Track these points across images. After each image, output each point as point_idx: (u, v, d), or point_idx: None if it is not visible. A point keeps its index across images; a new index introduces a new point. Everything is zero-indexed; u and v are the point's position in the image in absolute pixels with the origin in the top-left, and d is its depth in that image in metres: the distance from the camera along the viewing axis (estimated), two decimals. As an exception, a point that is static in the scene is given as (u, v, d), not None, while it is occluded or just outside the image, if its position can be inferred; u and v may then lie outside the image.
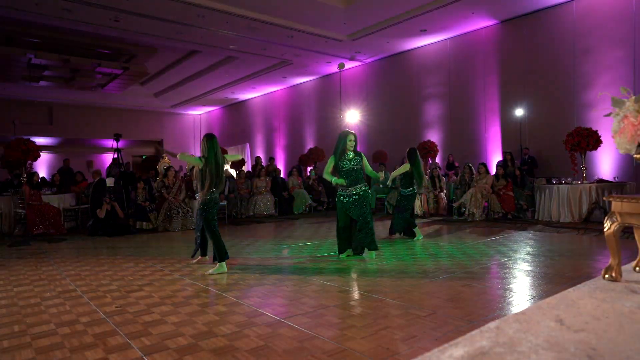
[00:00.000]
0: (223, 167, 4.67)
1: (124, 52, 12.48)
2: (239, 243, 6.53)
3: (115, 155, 9.67)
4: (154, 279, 4.27)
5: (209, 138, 4.61)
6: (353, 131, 5.07)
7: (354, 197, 4.87)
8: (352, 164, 4.88)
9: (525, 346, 1.78)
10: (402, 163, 6.55)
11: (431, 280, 3.91)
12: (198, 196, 4.68)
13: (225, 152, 12.19)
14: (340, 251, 5.15)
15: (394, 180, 6.61)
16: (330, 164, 4.94)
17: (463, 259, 4.80)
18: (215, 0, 9.00)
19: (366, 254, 5.02)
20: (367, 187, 4.97)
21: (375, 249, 4.90)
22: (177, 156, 4.81)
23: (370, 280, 4.00)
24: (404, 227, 6.50)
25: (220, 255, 4.50)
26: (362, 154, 5.01)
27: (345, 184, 4.84)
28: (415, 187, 6.48)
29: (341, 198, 4.94)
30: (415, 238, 6.36)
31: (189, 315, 3.07)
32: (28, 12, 9.05)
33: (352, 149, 4.92)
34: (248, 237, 7.19)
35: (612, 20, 8.65)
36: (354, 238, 5.11)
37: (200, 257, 5.04)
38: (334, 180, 4.86)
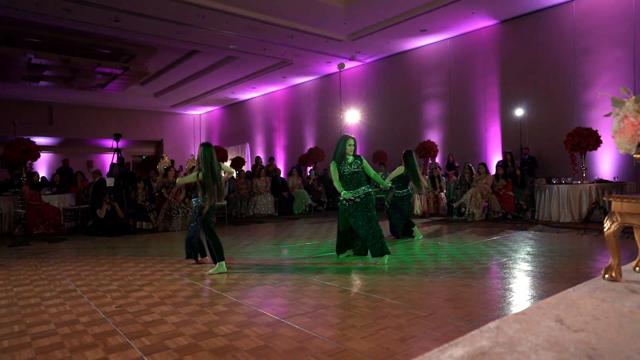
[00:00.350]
0: (220, 177, 4.64)
1: (124, 52, 12.48)
2: (239, 243, 6.53)
3: (120, 155, 9.70)
4: (154, 279, 4.28)
5: (205, 148, 4.58)
6: (352, 135, 5.02)
7: (355, 200, 4.78)
8: (353, 168, 4.83)
9: (525, 346, 1.78)
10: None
11: (431, 280, 3.91)
12: (196, 201, 4.69)
13: (224, 152, 12.20)
14: (340, 252, 5.14)
15: (392, 181, 6.62)
16: (335, 171, 4.82)
17: (463, 259, 4.80)
18: (215, 0, 9.00)
19: (370, 257, 4.93)
20: (370, 189, 4.87)
21: (388, 252, 4.73)
22: (177, 182, 4.81)
23: (370, 280, 4.00)
24: (404, 228, 6.51)
25: (220, 255, 4.51)
26: (362, 157, 4.96)
27: (352, 197, 4.75)
28: (409, 188, 6.50)
29: (344, 202, 4.86)
30: (416, 238, 6.36)
31: (189, 315, 3.07)
32: (28, 12, 9.05)
33: (351, 153, 4.86)
34: (248, 237, 7.19)
35: (612, 20, 8.65)
36: (356, 240, 5.09)
37: (200, 257, 5.05)
38: (344, 194, 4.74)
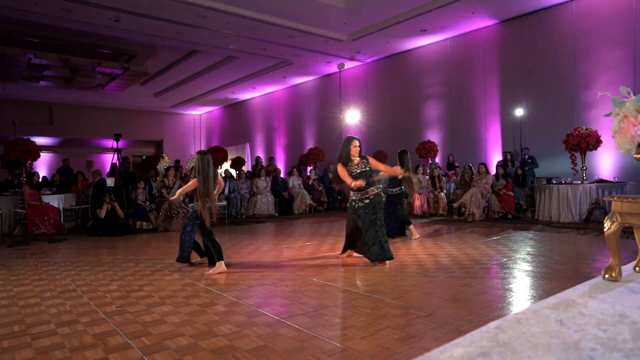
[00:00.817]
0: (214, 186, 4.66)
1: (124, 52, 12.48)
2: (239, 243, 6.53)
3: (120, 155, 9.73)
4: (154, 279, 4.27)
5: (202, 156, 4.59)
6: (357, 137, 4.95)
7: (365, 201, 4.70)
8: (361, 167, 4.73)
9: (525, 346, 1.78)
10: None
11: (431, 280, 3.91)
12: (192, 206, 4.71)
13: (224, 152, 12.19)
14: (343, 251, 5.14)
15: (387, 179, 6.57)
16: (343, 169, 4.72)
17: (463, 259, 4.80)
18: (215, 0, 9.00)
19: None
20: (379, 190, 4.78)
21: (390, 258, 4.63)
22: (178, 194, 4.81)
23: (370, 280, 3.99)
24: (399, 227, 6.50)
25: (218, 255, 4.52)
26: (367, 157, 4.88)
27: (363, 185, 4.61)
28: (403, 187, 6.46)
29: (353, 203, 4.79)
30: (413, 237, 6.37)
31: (189, 315, 3.07)
32: (28, 12, 9.05)
33: (357, 154, 4.77)
34: (248, 237, 7.19)
35: (612, 20, 8.65)
36: (357, 239, 5.06)
37: (199, 258, 5.06)
38: (355, 183, 4.59)
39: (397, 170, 5.31)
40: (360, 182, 4.56)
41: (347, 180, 4.66)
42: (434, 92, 11.91)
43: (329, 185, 12.23)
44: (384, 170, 5.11)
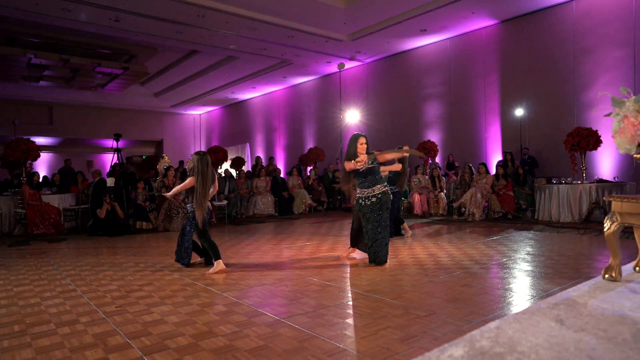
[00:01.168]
0: (210, 188, 4.68)
1: (124, 52, 12.48)
2: (239, 243, 6.53)
3: (120, 155, 9.74)
4: (154, 279, 4.28)
5: (200, 157, 4.61)
6: (363, 133, 4.94)
7: (372, 199, 4.67)
8: (368, 164, 4.73)
9: (525, 346, 1.78)
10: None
11: (431, 280, 3.91)
12: (190, 206, 4.72)
13: (224, 152, 12.19)
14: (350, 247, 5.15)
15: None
16: (349, 163, 4.69)
17: (463, 259, 4.80)
18: (215, 0, 9.00)
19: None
20: (386, 188, 4.75)
21: (385, 262, 4.63)
22: (173, 191, 4.81)
23: (370, 280, 3.99)
24: (395, 227, 6.51)
25: (216, 254, 4.54)
26: (374, 152, 4.82)
27: (365, 160, 4.54)
28: (398, 186, 6.45)
29: (359, 201, 4.76)
30: (408, 235, 6.39)
31: (189, 315, 3.07)
32: (28, 12, 9.05)
33: (364, 152, 4.74)
34: (248, 237, 7.19)
35: (612, 20, 8.65)
36: (358, 237, 5.06)
37: (200, 258, 5.07)
38: (358, 158, 4.52)
39: (404, 152, 5.33)
40: (363, 158, 4.52)
41: (351, 166, 4.63)
42: (434, 92, 11.91)
43: (329, 185, 12.24)
44: (389, 156, 5.05)
